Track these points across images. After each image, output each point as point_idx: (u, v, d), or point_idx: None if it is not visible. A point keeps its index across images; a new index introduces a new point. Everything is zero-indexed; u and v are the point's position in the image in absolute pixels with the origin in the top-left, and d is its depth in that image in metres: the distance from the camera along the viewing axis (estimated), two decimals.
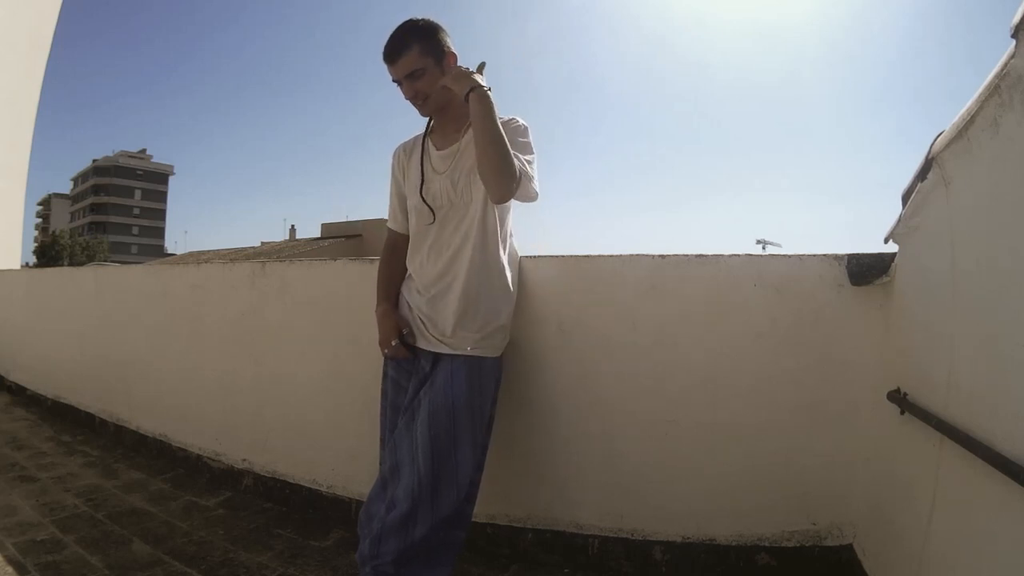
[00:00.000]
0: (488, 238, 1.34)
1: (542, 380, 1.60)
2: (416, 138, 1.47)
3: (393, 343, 1.36)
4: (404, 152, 1.47)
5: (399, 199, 1.48)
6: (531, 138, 1.35)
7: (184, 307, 2.47)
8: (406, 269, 1.46)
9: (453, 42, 1.33)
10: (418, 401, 1.32)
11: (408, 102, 1.33)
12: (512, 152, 1.23)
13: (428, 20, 1.31)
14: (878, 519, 1.34)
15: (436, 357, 1.34)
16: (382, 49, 1.30)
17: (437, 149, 1.39)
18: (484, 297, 1.34)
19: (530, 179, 1.28)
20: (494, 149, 1.21)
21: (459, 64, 1.31)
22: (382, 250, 1.53)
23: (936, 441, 1.01)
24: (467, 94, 1.22)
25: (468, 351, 1.32)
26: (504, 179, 1.22)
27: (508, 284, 1.39)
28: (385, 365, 1.44)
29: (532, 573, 1.57)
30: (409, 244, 1.44)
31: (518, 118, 1.35)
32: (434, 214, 1.35)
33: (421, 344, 1.36)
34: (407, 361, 1.39)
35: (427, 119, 1.41)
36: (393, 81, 1.32)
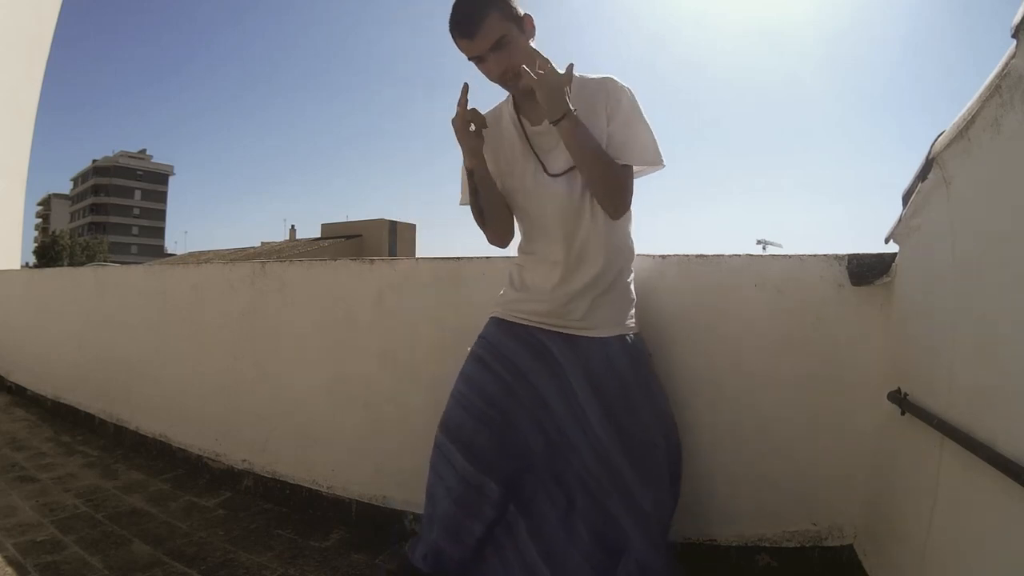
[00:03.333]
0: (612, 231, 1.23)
1: None
2: (496, 111, 1.30)
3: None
4: (497, 120, 1.28)
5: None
6: (639, 103, 1.19)
7: (184, 307, 2.47)
8: (505, 214, 1.29)
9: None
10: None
11: (493, 82, 1.16)
12: (621, 160, 1.13)
13: None
14: (879, 520, 1.33)
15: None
16: (451, 22, 1.11)
17: (532, 125, 1.23)
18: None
19: (655, 162, 1.18)
20: (600, 173, 1.12)
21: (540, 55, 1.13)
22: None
23: (937, 441, 1.01)
24: (558, 121, 1.07)
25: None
26: (617, 198, 1.15)
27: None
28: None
29: None
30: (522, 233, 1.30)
31: (617, 80, 1.18)
32: (543, 197, 1.21)
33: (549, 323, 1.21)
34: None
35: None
36: (471, 59, 1.14)
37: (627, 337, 1.23)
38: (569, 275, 1.22)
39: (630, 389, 1.18)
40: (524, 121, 1.25)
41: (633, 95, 1.20)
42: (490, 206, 1.26)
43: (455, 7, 1.11)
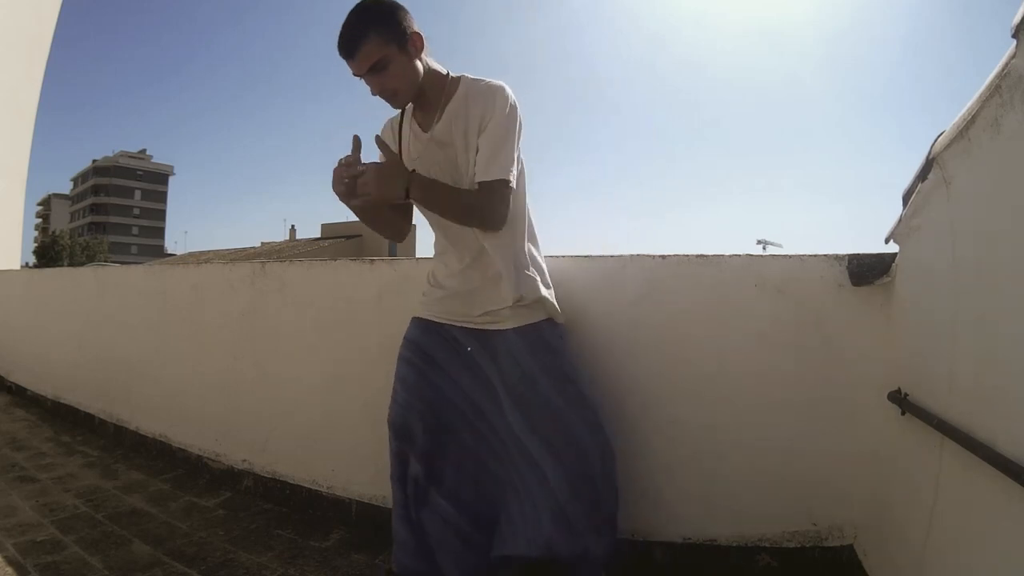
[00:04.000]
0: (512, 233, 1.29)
1: None
2: (397, 117, 1.37)
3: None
4: (390, 128, 1.37)
5: None
6: (515, 125, 1.21)
7: (184, 307, 2.47)
8: (401, 221, 1.41)
9: (415, 20, 1.18)
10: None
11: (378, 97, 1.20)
12: (482, 177, 1.17)
13: (381, 0, 1.15)
14: (879, 520, 1.33)
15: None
16: (337, 42, 1.14)
17: (423, 130, 1.28)
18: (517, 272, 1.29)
19: (511, 191, 1.20)
20: (461, 212, 1.20)
21: (386, 152, 1.17)
22: None
23: (937, 441, 1.01)
24: (405, 193, 1.12)
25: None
26: (487, 220, 1.20)
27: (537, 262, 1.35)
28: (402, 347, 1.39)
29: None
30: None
31: (502, 92, 1.20)
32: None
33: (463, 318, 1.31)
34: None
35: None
36: (355, 76, 1.17)
37: (531, 328, 1.29)
38: (467, 274, 1.31)
39: (535, 377, 1.25)
40: (412, 128, 1.31)
41: (514, 108, 1.21)
42: (375, 222, 1.38)
43: (341, 28, 1.14)
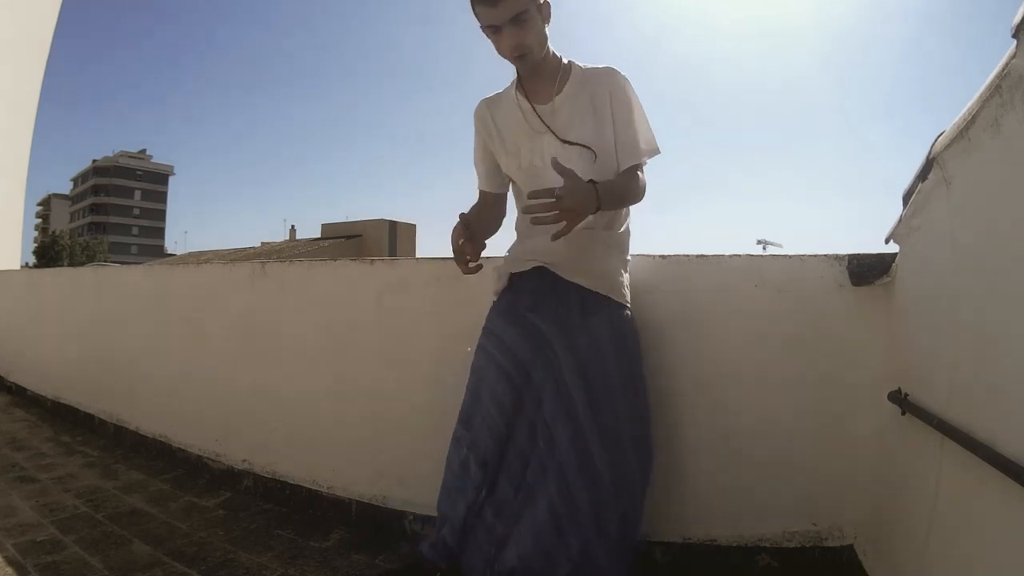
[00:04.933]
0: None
1: None
2: (502, 95, 1.34)
3: (460, 241, 1.17)
4: (488, 108, 1.34)
5: (488, 159, 1.36)
6: (635, 95, 1.26)
7: (184, 308, 2.47)
8: (498, 223, 1.39)
9: None
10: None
11: (502, 56, 1.18)
12: (632, 161, 1.24)
13: None
14: (879, 520, 1.33)
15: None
16: None
17: (540, 104, 1.26)
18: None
19: (655, 151, 1.28)
20: (634, 198, 1.26)
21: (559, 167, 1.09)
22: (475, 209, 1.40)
23: (937, 442, 1.01)
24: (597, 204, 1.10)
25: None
26: (641, 199, 1.27)
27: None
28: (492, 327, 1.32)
29: None
30: (517, 223, 1.37)
31: (619, 73, 1.24)
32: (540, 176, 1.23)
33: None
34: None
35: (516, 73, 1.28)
36: (486, 28, 1.15)
37: (617, 307, 1.27)
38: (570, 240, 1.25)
39: (610, 373, 1.21)
40: (531, 102, 1.27)
41: (631, 87, 1.26)
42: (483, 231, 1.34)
43: None
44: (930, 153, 1.07)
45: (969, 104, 0.90)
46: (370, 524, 1.80)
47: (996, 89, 0.81)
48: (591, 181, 1.10)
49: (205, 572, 1.53)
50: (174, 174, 66.34)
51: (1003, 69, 0.79)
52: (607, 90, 1.23)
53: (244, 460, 2.15)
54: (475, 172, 1.42)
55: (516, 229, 1.41)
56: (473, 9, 1.15)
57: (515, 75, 1.30)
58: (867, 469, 1.40)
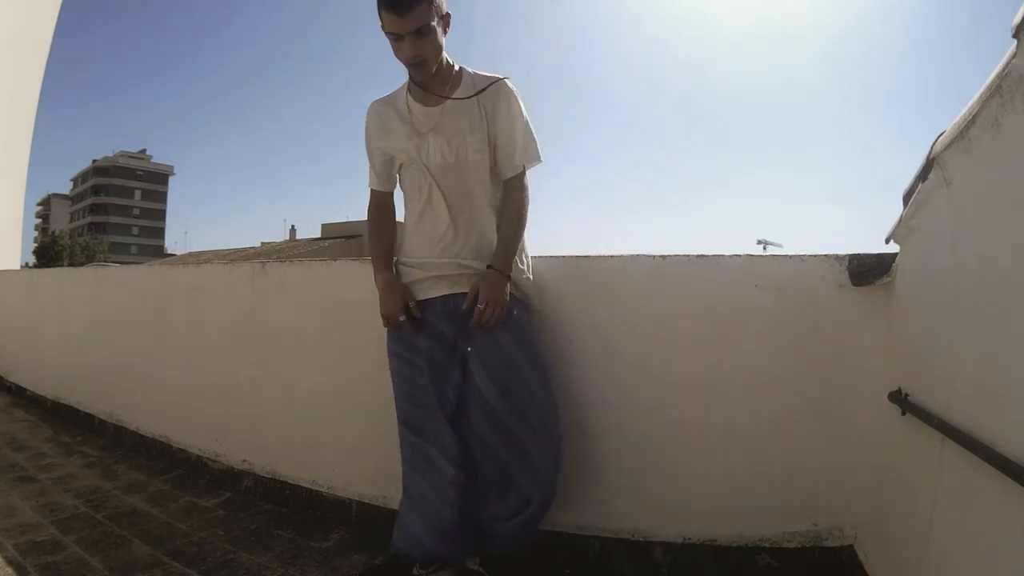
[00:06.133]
0: (491, 199, 1.38)
1: None
2: (392, 97, 1.42)
3: (400, 317, 1.32)
4: (380, 108, 1.41)
5: (381, 157, 1.43)
6: (520, 105, 1.36)
7: (184, 307, 2.47)
8: (395, 230, 1.47)
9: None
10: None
11: (400, 62, 1.27)
12: (517, 165, 1.37)
13: None
14: (879, 520, 1.33)
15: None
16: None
17: (424, 106, 1.35)
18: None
19: (537, 159, 1.41)
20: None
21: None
22: (369, 214, 1.49)
23: (937, 442, 1.01)
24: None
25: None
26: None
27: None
28: (389, 342, 1.42)
29: (533, 574, 1.56)
30: (407, 215, 1.43)
31: (507, 84, 1.35)
32: (431, 174, 1.34)
33: (444, 290, 1.35)
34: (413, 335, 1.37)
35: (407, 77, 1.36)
36: (390, 35, 1.22)
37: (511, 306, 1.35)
38: (455, 243, 1.35)
39: (514, 357, 1.33)
40: (417, 105, 1.36)
41: (517, 97, 1.36)
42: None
43: None
44: (930, 153, 1.07)
45: (969, 104, 0.90)
46: (370, 524, 1.80)
47: (996, 89, 0.82)
48: (489, 267, 1.31)
49: (205, 572, 1.53)
50: (174, 174, 66.41)
51: (1003, 69, 0.79)
52: (494, 98, 1.33)
53: (244, 460, 2.15)
54: (370, 177, 1.47)
55: (408, 228, 1.45)
56: (379, 12, 1.21)
57: (408, 78, 1.37)
58: (867, 469, 1.40)
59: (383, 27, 1.22)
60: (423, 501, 1.33)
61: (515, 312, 1.35)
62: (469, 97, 1.32)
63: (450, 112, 1.33)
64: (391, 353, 1.43)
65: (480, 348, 1.33)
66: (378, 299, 1.38)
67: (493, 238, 1.37)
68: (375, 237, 1.45)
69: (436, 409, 1.34)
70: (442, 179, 1.34)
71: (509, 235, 1.35)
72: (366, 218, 1.50)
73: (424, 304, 1.37)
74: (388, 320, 1.35)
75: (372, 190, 1.49)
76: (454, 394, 1.35)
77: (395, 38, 1.22)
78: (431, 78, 1.31)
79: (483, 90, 1.33)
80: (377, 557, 1.63)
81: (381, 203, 1.48)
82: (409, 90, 1.38)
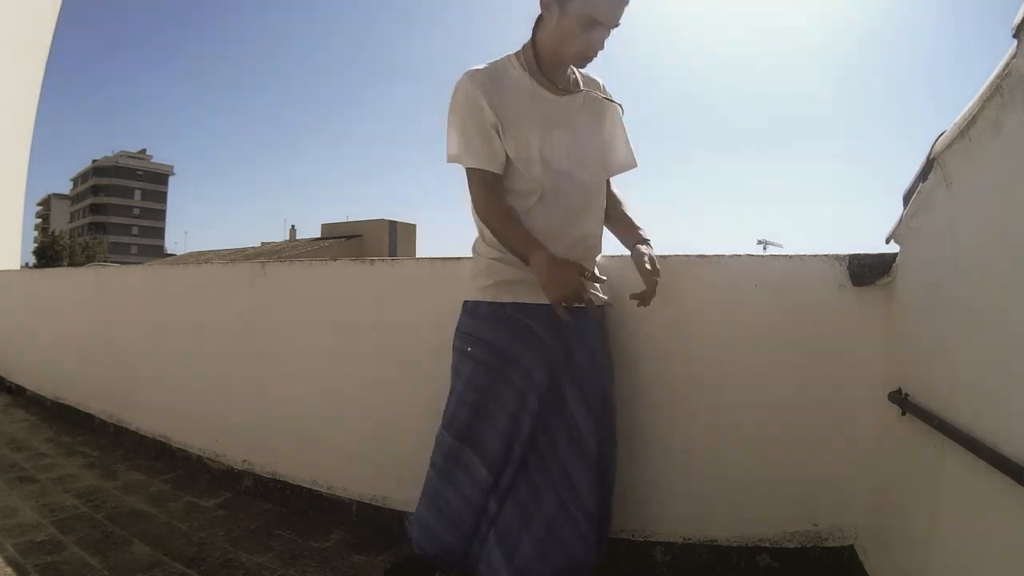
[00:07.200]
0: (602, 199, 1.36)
1: None
2: (500, 67, 1.25)
3: (584, 291, 1.08)
4: (491, 82, 1.21)
5: (487, 133, 1.19)
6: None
7: (184, 307, 2.47)
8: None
9: None
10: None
11: (572, 51, 1.18)
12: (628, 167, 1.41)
13: None
14: (879, 520, 1.33)
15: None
16: None
17: (554, 93, 1.25)
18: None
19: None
20: None
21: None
22: (486, 197, 1.21)
23: (937, 442, 1.01)
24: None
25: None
26: None
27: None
28: (468, 344, 1.26)
29: None
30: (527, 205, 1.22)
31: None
32: (552, 168, 1.22)
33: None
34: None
35: (521, 49, 1.27)
36: (595, 24, 1.14)
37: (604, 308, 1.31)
38: (573, 245, 1.26)
39: (597, 362, 1.29)
40: (548, 91, 1.25)
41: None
42: None
43: None
44: (931, 153, 1.07)
45: (969, 104, 0.90)
46: (370, 524, 1.80)
47: (996, 89, 0.81)
48: (646, 242, 1.30)
49: (205, 572, 1.53)
50: (174, 174, 66.35)
51: (1003, 69, 0.79)
52: (604, 97, 1.33)
53: (244, 460, 2.15)
54: (468, 152, 1.21)
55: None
56: (607, 5, 1.12)
57: (519, 58, 1.25)
58: (868, 469, 1.40)
59: (588, 13, 1.11)
60: (447, 507, 1.26)
61: (604, 320, 1.30)
62: (605, 97, 1.33)
63: (582, 106, 1.29)
64: (468, 356, 1.26)
65: (578, 370, 1.24)
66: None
67: (600, 242, 1.35)
68: (509, 217, 1.19)
69: (505, 426, 1.22)
70: (562, 176, 1.23)
71: (630, 217, 1.37)
72: (478, 201, 1.23)
73: (528, 310, 1.22)
74: (568, 297, 1.07)
75: (490, 175, 1.21)
76: (530, 421, 1.21)
77: (600, 28, 1.14)
78: (556, 62, 1.24)
79: (593, 87, 1.33)
80: (377, 557, 1.63)
81: (493, 186, 1.22)
82: (534, 75, 1.24)
